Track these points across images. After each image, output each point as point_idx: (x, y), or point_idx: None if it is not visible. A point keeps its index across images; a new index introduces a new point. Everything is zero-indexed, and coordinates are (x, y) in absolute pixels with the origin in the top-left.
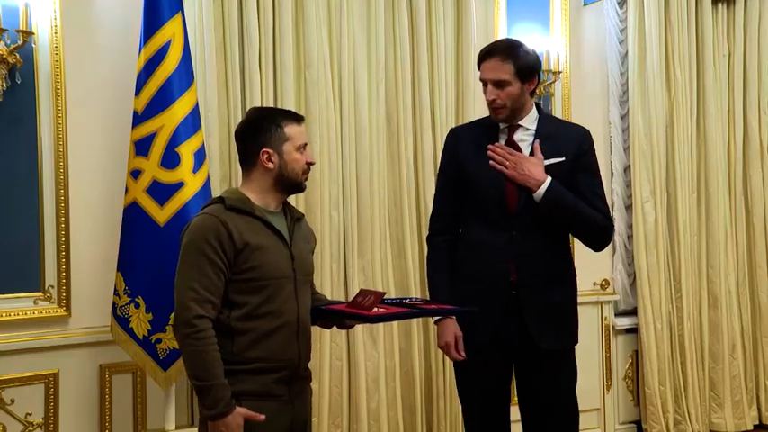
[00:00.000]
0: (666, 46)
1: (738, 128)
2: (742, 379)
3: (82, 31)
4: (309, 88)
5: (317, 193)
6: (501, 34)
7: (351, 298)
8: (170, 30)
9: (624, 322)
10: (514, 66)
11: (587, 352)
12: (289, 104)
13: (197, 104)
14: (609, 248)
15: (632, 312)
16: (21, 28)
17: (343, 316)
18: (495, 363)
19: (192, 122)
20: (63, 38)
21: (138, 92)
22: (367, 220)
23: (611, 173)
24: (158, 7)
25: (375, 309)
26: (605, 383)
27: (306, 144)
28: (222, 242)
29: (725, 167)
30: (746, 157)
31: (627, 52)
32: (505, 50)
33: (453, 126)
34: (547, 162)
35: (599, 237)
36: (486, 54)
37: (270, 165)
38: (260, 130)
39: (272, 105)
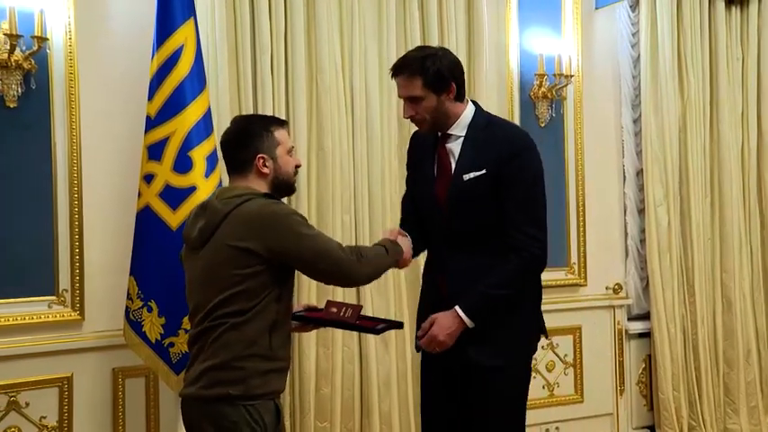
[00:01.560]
0: (679, 49)
1: (752, 131)
2: (757, 384)
3: (95, 37)
4: (321, 93)
5: (328, 198)
6: (513, 39)
7: (361, 303)
8: (182, 35)
9: (637, 327)
10: (423, 79)
11: (600, 356)
12: (300, 109)
13: (209, 109)
14: (621, 252)
15: (645, 317)
16: (36, 34)
17: (337, 326)
18: (430, 368)
19: (205, 127)
20: (77, 43)
21: (150, 96)
22: (378, 224)
23: (624, 177)
24: (171, 12)
25: (358, 321)
26: (618, 388)
27: (293, 147)
28: None
29: (739, 171)
30: (761, 160)
31: (639, 56)
32: (411, 65)
33: None
34: (467, 176)
35: (529, 276)
36: (395, 71)
37: (265, 170)
38: (253, 137)
39: (283, 111)
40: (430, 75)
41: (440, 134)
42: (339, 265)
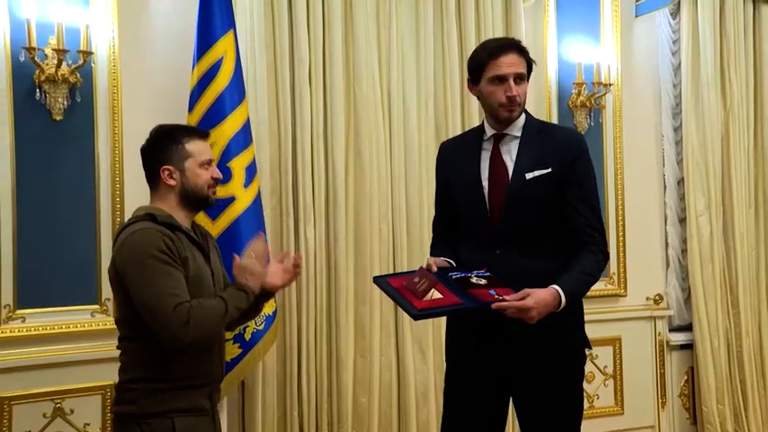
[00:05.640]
0: (722, 55)
1: None
2: None
3: (138, 50)
4: (359, 104)
5: (366, 208)
6: (551, 47)
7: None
8: (222, 47)
9: (679, 338)
10: (526, 62)
11: (640, 368)
12: (338, 119)
13: (248, 120)
14: (662, 263)
15: (687, 328)
16: (81, 48)
17: (393, 297)
18: (475, 382)
19: (244, 138)
20: (120, 57)
21: (191, 108)
22: (416, 233)
23: (664, 186)
24: (211, 25)
25: (428, 296)
26: (660, 401)
27: (211, 160)
28: (171, 251)
29: None
30: None
31: (680, 63)
32: (520, 47)
33: None
34: (530, 174)
35: (602, 270)
36: (506, 47)
37: (171, 182)
38: (160, 148)
39: (321, 121)
40: (530, 60)
41: (490, 135)
42: (161, 328)
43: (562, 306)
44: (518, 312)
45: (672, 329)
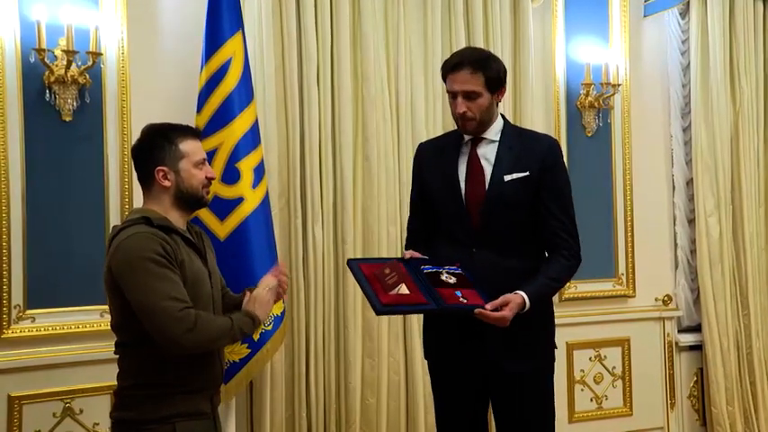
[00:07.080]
0: (731, 55)
1: None
2: None
3: (147, 52)
4: (366, 104)
5: (374, 209)
6: (559, 47)
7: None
8: (230, 48)
9: (688, 339)
10: (484, 77)
11: (649, 369)
12: (346, 120)
13: (256, 121)
14: (671, 263)
15: (696, 329)
16: (90, 49)
17: (361, 285)
18: (460, 380)
19: (252, 139)
20: (129, 58)
21: (199, 109)
22: None
23: (673, 186)
24: (220, 26)
25: (395, 290)
26: (669, 402)
27: (204, 159)
28: (168, 254)
29: None
30: None
31: (689, 63)
32: (476, 62)
33: None
34: (509, 177)
35: (572, 274)
36: (456, 66)
37: (166, 183)
38: (154, 148)
39: (329, 121)
40: (492, 73)
41: (467, 138)
42: (161, 332)
43: (526, 309)
44: (497, 320)
45: (681, 330)
